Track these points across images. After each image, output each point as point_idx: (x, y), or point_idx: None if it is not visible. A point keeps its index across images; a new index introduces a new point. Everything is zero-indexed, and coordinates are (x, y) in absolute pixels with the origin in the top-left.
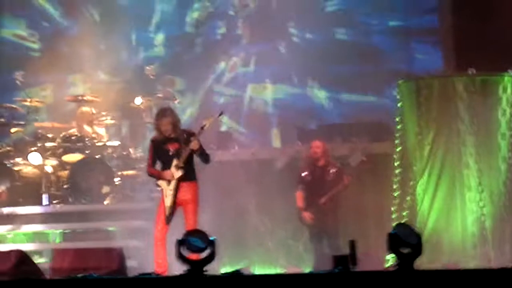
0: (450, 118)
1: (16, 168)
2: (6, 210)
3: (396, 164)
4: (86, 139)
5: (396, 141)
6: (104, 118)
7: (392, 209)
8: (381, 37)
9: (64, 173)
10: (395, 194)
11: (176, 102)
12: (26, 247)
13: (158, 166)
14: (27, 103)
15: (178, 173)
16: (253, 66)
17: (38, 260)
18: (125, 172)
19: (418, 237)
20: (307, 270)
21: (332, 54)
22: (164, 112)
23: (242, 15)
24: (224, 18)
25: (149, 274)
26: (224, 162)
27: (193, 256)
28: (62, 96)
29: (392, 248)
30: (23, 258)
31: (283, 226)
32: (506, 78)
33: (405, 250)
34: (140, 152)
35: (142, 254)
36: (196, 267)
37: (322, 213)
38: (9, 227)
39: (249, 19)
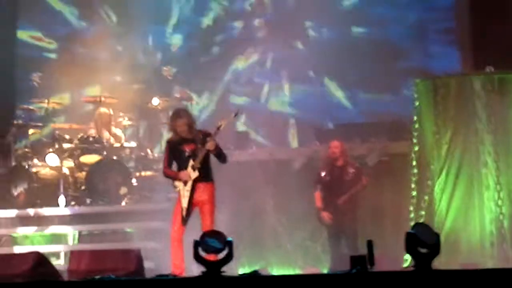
0: (468, 117)
1: (33, 170)
2: (24, 211)
3: (413, 163)
4: (104, 140)
5: (414, 140)
6: (121, 119)
7: (410, 208)
8: (398, 36)
9: (82, 175)
10: (413, 194)
11: (193, 102)
12: (44, 249)
13: (175, 167)
14: (45, 105)
15: (194, 174)
16: (270, 65)
17: (55, 262)
18: (142, 173)
19: (436, 236)
20: (324, 270)
21: (348, 52)
22: (179, 113)
23: (259, 14)
24: (240, 17)
25: (166, 275)
26: (241, 163)
27: (210, 257)
28: (79, 98)
29: (410, 248)
30: (40, 260)
31: (301, 227)
32: None
33: (423, 250)
34: (157, 153)
35: (159, 256)
36: (213, 268)
37: (341, 213)
38: (29, 228)
39: (266, 18)
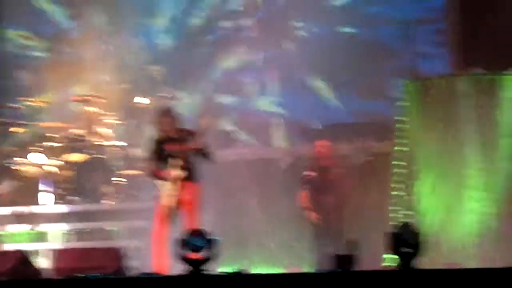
0: (456, 117)
1: (18, 168)
2: (9, 209)
3: (397, 163)
4: (91, 139)
5: (398, 141)
6: (109, 118)
7: (392, 208)
8: (387, 36)
9: (68, 173)
10: (396, 194)
11: (180, 102)
12: (28, 247)
13: (160, 166)
14: (31, 103)
15: (179, 173)
16: (259, 65)
17: (39, 260)
18: (128, 172)
19: (418, 236)
20: (308, 270)
21: (338, 52)
22: (165, 112)
23: (249, 13)
24: (230, 17)
25: (150, 273)
26: (227, 162)
27: (193, 256)
28: (66, 96)
29: (392, 248)
30: (23, 258)
31: (285, 226)
32: None
33: (406, 250)
34: (144, 151)
35: (143, 254)
36: (196, 266)
37: (327, 213)
38: (14, 226)
39: (256, 17)
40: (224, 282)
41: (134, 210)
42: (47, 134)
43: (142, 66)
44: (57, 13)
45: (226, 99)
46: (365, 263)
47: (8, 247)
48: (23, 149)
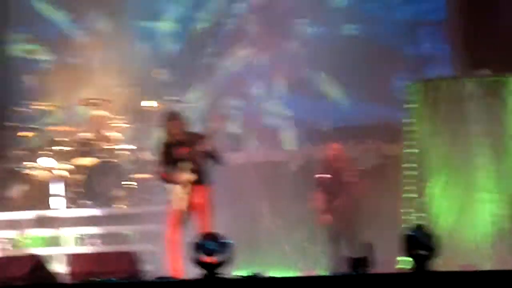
0: (462, 119)
1: (28, 172)
2: (21, 214)
3: (408, 166)
4: (100, 142)
5: (408, 143)
6: (118, 122)
7: (405, 210)
8: (390, 35)
9: (79, 177)
10: (408, 196)
11: (187, 104)
12: (42, 251)
13: (169, 170)
14: (41, 107)
15: (189, 177)
16: (264, 66)
17: (54, 264)
18: (139, 175)
19: (432, 238)
20: (323, 273)
21: (341, 53)
22: (173, 116)
23: (253, 14)
24: (234, 17)
25: (166, 277)
26: (237, 165)
27: (208, 259)
28: (74, 100)
29: (407, 250)
30: (38, 263)
31: (298, 229)
32: None
33: (421, 252)
34: (153, 155)
35: (158, 258)
36: (211, 270)
37: (340, 215)
38: (27, 231)
39: (260, 17)
40: (238, 286)
41: (147, 214)
42: (57, 138)
43: (149, 69)
44: (63, 18)
45: (233, 101)
46: (379, 266)
47: (23, 252)
48: (32, 153)
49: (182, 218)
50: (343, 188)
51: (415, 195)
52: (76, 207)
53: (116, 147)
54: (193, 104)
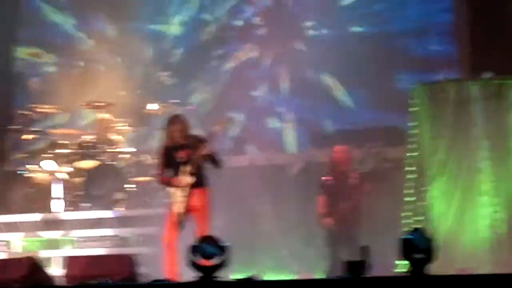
0: (465, 122)
1: (30, 175)
2: (21, 217)
3: (408, 169)
4: (102, 145)
5: (409, 146)
6: (120, 125)
7: (405, 214)
8: (397, 38)
9: (79, 180)
10: (408, 199)
11: (191, 107)
12: (39, 254)
13: (169, 173)
14: (43, 110)
15: (189, 180)
16: (269, 69)
17: (51, 267)
18: (140, 178)
19: (431, 242)
20: (319, 276)
21: (347, 54)
22: (174, 119)
23: (258, 14)
24: (240, 18)
25: (162, 280)
26: (237, 168)
27: (205, 262)
28: (77, 103)
29: (404, 254)
30: (35, 265)
31: (296, 232)
32: None
33: (418, 256)
34: (154, 158)
35: (155, 261)
36: (208, 273)
37: (343, 219)
38: (26, 233)
39: (265, 17)
40: None
41: (145, 216)
42: (59, 141)
43: (154, 73)
44: (67, 22)
45: (236, 103)
46: (377, 269)
47: (21, 254)
48: (35, 156)
49: (180, 221)
50: (348, 191)
51: (415, 199)
52: (76, 210)
53: (118, 150)
54: (195, 107)
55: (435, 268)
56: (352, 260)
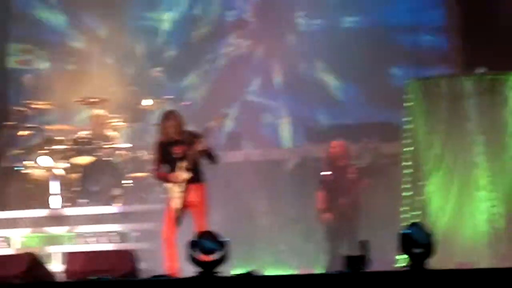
0: (459, 117)
1: (26, 171)
2: (18, 213)
3: (405, 164)
4: (98, 141)
5: (405, 141)
6: (115, 120)
7: (402, 209)
8: (390, 32)
9: (75, 176)
10: (405, 194)
11: (186, 103)
12: (38, 250)
13: (165, 169)
14: (39, 106)
15: (185, 176)
16: (262, 63)
17: (50, 263)
18: (136, 174)
19: (429, 236)
20: (318, 271)
21: (340, 47)
22: (169, 115)
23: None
24: (231, 10)
25: (162, 276)
26: (233, 163)
27: (205, 258)
28: (72, 99)
29: (403, 248)
30: (34, 261)
31: (294, 227)
32: None
33: (417, 250)
34: (150, 154)
35: (154, 256)
36: (207, 268)
37: (342, 214)
38: (24, 230)
39: (256, 11)
40: (235, 284)
41: (143, 212)
42: (55, 137)
43: (147, 68)
44: (60, 19)
45: (230, 98)
46: (376, 264)
47: (20, 250)
48: (31, 152)
49: (178, 217)
50: (346, 186)
51: (413, 193)
52: (74, 206)
53: (114, 145)
54: (190, 103)
55: (435, 262)
56: (351, 255)
